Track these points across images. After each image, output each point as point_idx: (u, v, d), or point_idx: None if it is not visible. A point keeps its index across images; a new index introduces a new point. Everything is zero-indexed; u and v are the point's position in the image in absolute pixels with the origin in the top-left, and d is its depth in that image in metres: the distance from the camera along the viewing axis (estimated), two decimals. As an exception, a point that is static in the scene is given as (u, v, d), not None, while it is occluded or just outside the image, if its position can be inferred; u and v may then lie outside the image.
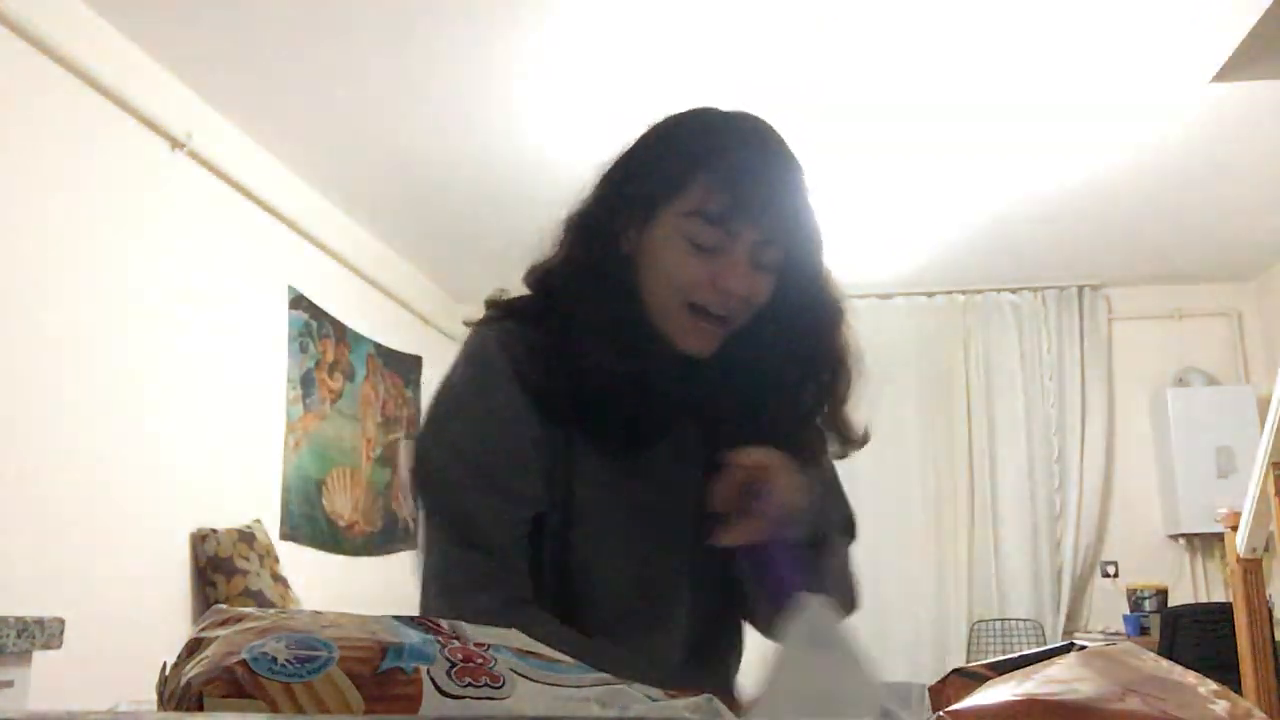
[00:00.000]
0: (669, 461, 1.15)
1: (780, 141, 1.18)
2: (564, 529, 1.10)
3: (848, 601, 1.26)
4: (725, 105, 1.21)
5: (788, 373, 1.21)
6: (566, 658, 0.70)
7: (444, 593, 1.05)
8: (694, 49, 3.37)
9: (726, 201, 1.08)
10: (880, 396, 5.75)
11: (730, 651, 1.27)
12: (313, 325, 4.38)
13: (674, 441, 1.15)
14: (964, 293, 5.77)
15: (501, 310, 1.18)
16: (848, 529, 1.35)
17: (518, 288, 1.22)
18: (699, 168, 1.09)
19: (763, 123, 1.18)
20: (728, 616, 1.24)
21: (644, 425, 1.12)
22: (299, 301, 4.27)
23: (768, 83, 3.58)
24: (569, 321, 1.11)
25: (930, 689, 0.70)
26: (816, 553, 1.16)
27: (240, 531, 3.61)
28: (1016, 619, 5.44)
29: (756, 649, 1.14)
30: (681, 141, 1.13)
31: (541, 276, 1.19)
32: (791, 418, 1.23)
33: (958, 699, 0.57)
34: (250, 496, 3.87)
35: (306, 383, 4.31)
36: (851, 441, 1.33)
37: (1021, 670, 0.62)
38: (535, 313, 1.15)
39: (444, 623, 0.69)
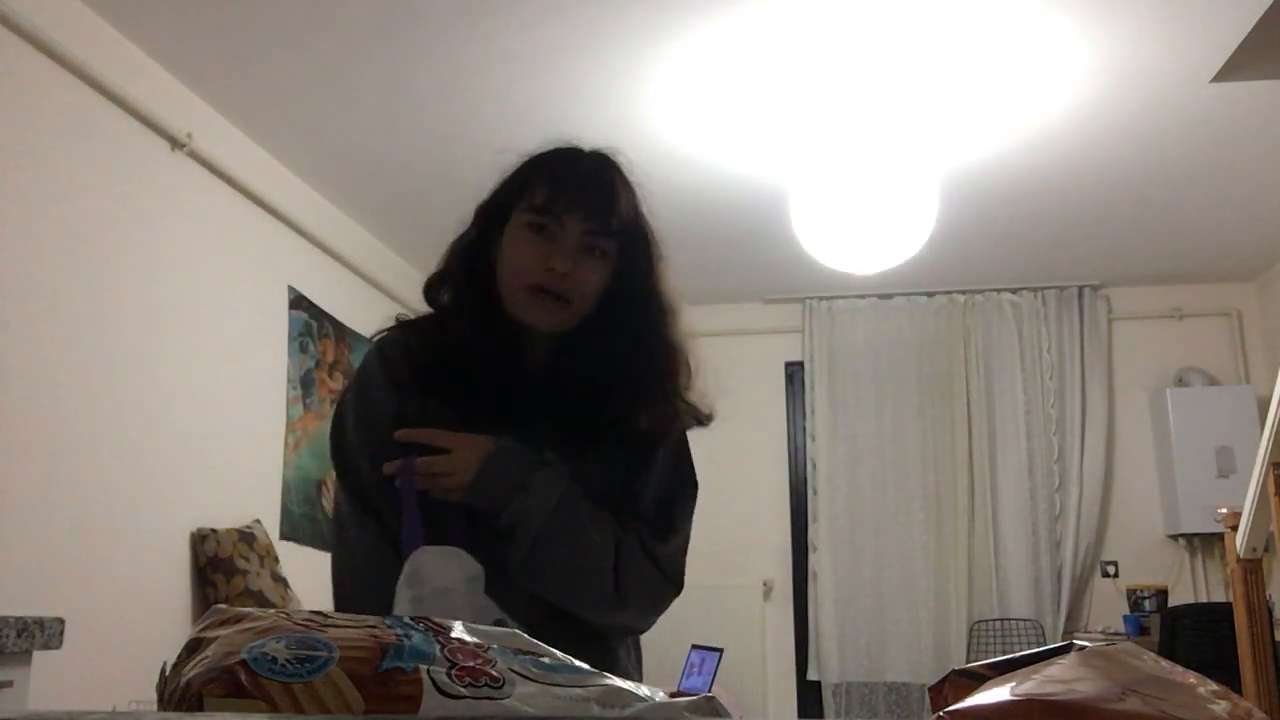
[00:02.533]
0: (518, 439, 1.33)
1: (607, 155, 1.42)
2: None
3: (576, 584, 1.34)
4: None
5: (627, 360, 1.37)
6: (567, 657, 0.70)
7: (338, 541, 1.39)
8: (693, 50, 3.37)
9: (547, 191, 1.34)
10: (880, 396, 5.75)
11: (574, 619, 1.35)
12: (313, 325, 4.38)
13: (528, 423, 1.35)
14: (964, 293, 5.77)
15: (394, 323, 1.46)
16: (646, 519, 1.40)
17: None
18: (532, 173, 1.38)
19: (597, 149, 1.43)
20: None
21: (497, 394, 1.35)
22: (299, 301, 4.27)
23: (768, 82, 3.58)
24: (443, 315, 1.42)
25: (930, 689, 0.70)
26: (500, 524, 1.30)
27: (240, 531, 3.61)
28: (1016, 619, 5.44)
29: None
30: (527, 160, 1.42)
31: (427, 288, 1.47)
32: (630, 399, 1.37)
33: (958, 699, 0.57)
34: (250, 496, 3.87)
35: (306, 383, 4.31)
36: (700, 420, 1.47)
37: (1021, 670, 0.62)
38: (418, 318, 1.46)
39: (444, 623, 0.69)
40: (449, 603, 1.22)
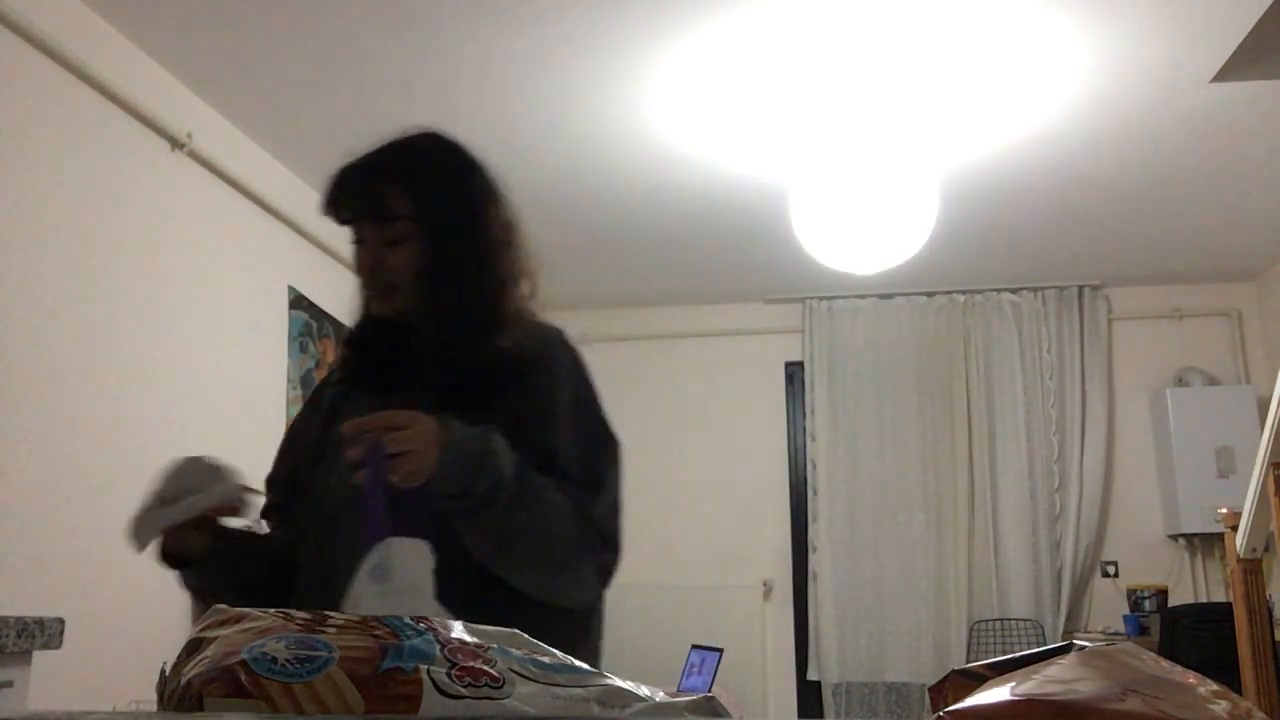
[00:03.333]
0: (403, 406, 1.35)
1: (392, 142, 1.49)
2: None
3: (543, 550, 1.35)
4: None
5: (455, 327, 1.43)
6: (568, 657, 0.70)
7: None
8: (693, 50, 3.37)
9: (335, 204, 1.45)
10: (880, 396, 5.75)
11: (496, 594, 1.32)
12: (313, 325, 4.38)
13: (412, 395, 1.39)
14: (964, 293, 5.77)
15: None
16: (577, 479, 1.40)
17: None
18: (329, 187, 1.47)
19: (391, 137, 1.51)
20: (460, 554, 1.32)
21: (373, 370, 1.50)
22: (299, 301, 4.27)
23: (768, 82, 3.58)
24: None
25: (930, 689, 0.70)
26: (481, 505, 1.28)
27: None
28: (1016, 619, 5.44)
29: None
30: None
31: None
32: (461, 366, 1.43)
33: (958, 699, 0.57)
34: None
35: (306, 383, 4.31)
36: (556, 339, 1.53)
37: (1021, 670, 0.62)
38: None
39: (444, 622, 0.69)
40: (415, 602, 1.16)
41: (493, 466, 1.28)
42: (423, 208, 1.42)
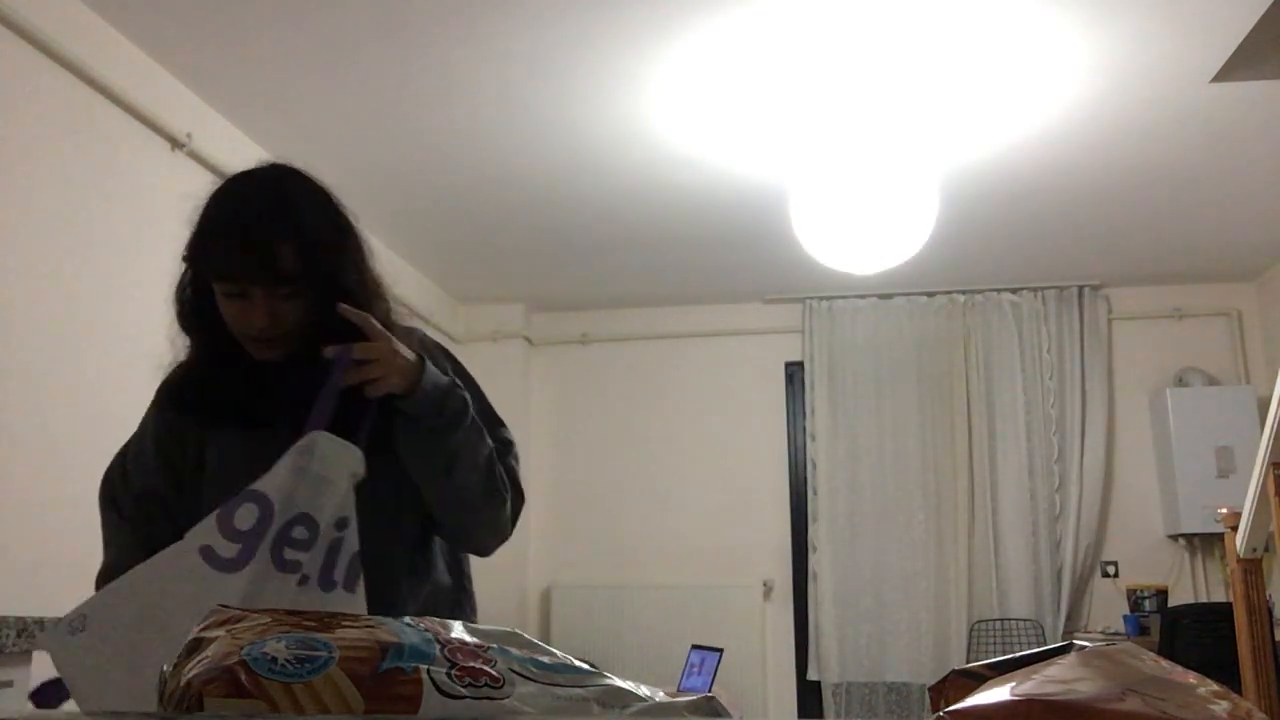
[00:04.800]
0: (272, 439, 1.41)
1: (272, 191, 1.48)
2: (200, 484, 1.53)
3: (484, 480, 1.51)
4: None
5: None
6: (568, 657, 0.70)
7: (104, 548, 1.68)
8: (693, 50, 3.37)
9: (222, 265, 1.44)
10: (880, 396, 5.75)
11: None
12: (313, 325, 4.38)
13: (284, 425, 1.43)
14: (964, 293, 5.77)
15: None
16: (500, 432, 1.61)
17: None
18: (207, 239, 1.47)
19: (260, 184, 1.50)
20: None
21: (242, 407, 1.52)
22: (299, 301, 4.27)
23: (768, 82, 3.58)
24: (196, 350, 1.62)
25: (930, 689, 0.70)
26: (449, 424, 1.45)
27: (240, 531, 3.60)
28: (1016, 619, 5.44)
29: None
30: (200, 215, 1.50)
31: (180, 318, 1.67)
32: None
33: (958, 699, 0.57)
34: (250, 496, 3.87)
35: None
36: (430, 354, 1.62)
37: (1021, 670, 0.62)
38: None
39: (444, 622, 0.69)
40: (325, 493, 1.31)
41: (459, 394, 1.47)
42: (314, 263, 1.43)
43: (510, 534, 1.59)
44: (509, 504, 1.56)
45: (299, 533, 1.30)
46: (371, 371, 1.39)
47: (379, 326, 1.41)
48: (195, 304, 1.54)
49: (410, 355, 1.43)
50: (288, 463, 1.32)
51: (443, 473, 1.47)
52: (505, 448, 1.59)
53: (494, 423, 1.60)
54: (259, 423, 1.50)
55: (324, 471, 1.33)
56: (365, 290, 1.50)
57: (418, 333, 1.61)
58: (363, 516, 1.35)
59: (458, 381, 1.51)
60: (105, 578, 1.59)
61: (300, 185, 1.51)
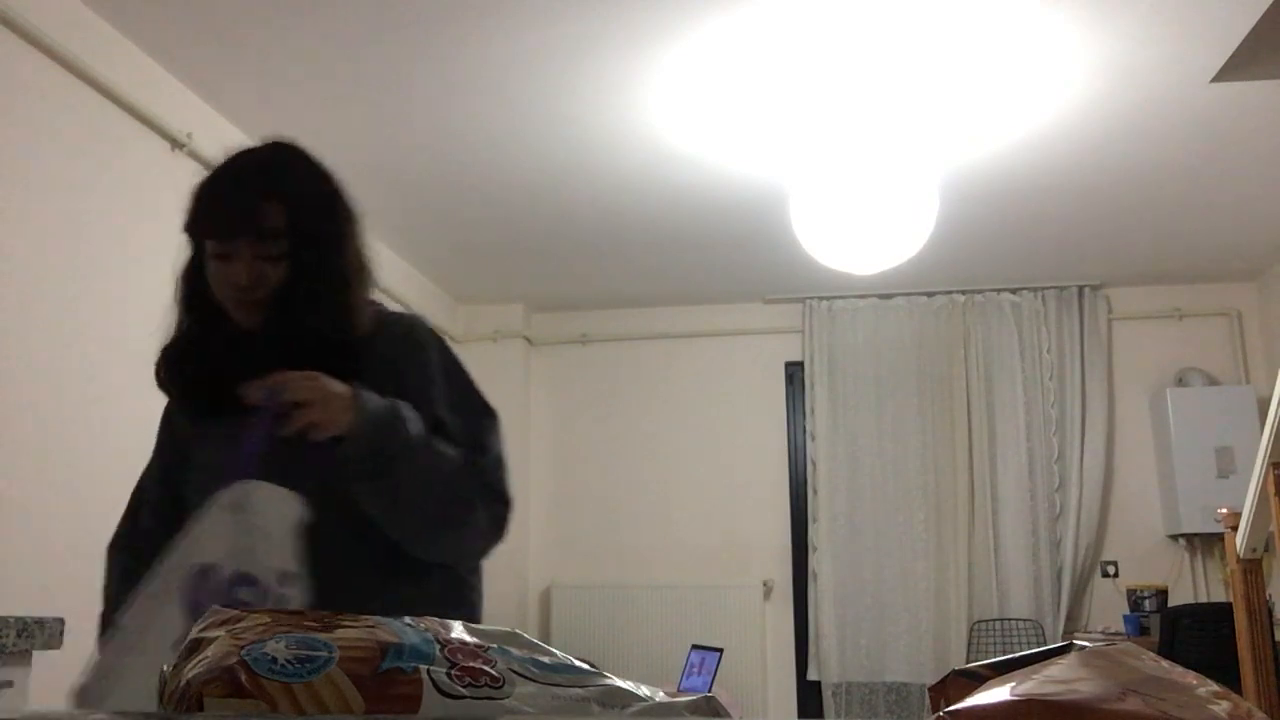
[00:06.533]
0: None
1: (262, 158, 1.56)
2: (185, 471, 1.55)
3: (437, 504, 1.44)
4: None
5: (322, 330, 1.47)
6: (568, 657, 0.70)
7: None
8: (693, 50, 3.37)
9: (209, 224, 1.49)
10: (880, 396, 5.75)
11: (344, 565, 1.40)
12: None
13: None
14: (964, 293, 5.77)
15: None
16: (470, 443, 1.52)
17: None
18: (196, 204, 1.52)
19: (256, 150, 1.58)
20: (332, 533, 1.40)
21: (217, 384, 1.47)
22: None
23: (768, 82, 3.58)
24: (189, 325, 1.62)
25: (930, 689, 0.70)
26: (386, 467, 1.38)
27: (240, 531, 3.60)
28: (1016, 619, 5.44)
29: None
30: (197, 185, 1.56)
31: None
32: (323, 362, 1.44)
33: (958, 699, 0.57)
34: (250, 496, 3.86)
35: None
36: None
37: (1021, 670, 0.62)
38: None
39: (444, 622, 0.69)
40: (267, 549, 1.24)
41: (401, 430, 1.39)
42: (300, 224, 1.45)
43: (494, 542, 1.51)
44: (480, 516, 1.47)
45: (245, 593, 1.23)
46: (309, 415, 1.33)
47: (312, 373, 1.36)
48: (191, 282, 1.55)
49: (342, 387, 1.37)
50: (222, 518, 1.25)
51: (389, 504, 1.40)
52: (481, 453, 1.50)
53: (482, 413, 1.54)
54: (230, 410, 1.44)
55: (261, 524, 1.25)
56: (351, 271, 1.50)
57: (417, 319, 1.61)
58: (325, 546, 1.30)
59: (398, 405, 1.41)
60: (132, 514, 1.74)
61: (296, 155, 1.54)
